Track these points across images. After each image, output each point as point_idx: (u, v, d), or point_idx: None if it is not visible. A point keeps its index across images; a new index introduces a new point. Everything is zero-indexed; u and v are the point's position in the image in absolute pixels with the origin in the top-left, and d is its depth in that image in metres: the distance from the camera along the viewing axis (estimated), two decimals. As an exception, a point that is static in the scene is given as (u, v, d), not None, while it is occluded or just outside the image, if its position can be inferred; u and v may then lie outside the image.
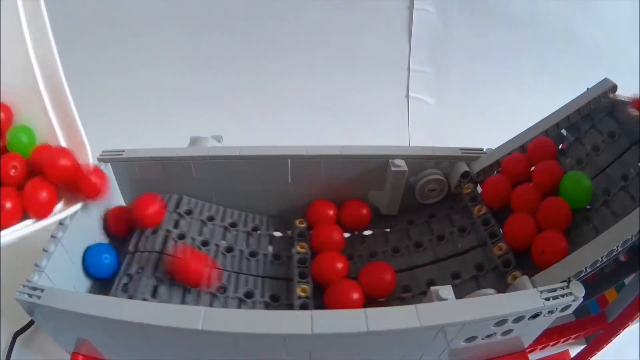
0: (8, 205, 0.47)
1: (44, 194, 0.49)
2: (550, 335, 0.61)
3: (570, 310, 0.53)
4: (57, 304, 0.45)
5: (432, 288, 0.49)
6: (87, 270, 0.56)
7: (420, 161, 0.65)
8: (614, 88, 0.64)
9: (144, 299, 0.53)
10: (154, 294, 0.54)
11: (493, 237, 0.61)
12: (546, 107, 0.68)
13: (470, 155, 0.67)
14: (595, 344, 0.67)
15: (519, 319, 0.50)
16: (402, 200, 0.68)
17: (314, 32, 1.09)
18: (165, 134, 0.68)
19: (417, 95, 1.16)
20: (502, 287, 0.56)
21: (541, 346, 0.61)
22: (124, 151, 0.61)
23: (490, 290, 0.52)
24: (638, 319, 0.64)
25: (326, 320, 0.45)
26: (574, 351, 0.69)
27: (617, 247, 0.52)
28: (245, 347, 0.48)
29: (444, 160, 0.66)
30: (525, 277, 0.53)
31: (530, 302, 0.49)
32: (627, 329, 0.68)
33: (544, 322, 0.54)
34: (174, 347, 0.50)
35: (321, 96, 1.10)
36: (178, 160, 0.60)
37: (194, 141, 0.67)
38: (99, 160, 0.61)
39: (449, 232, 0.65)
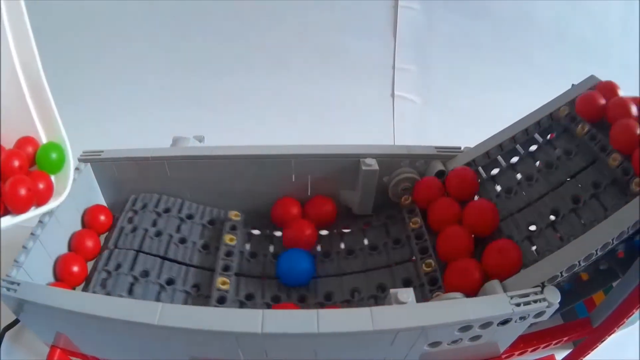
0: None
1: (22, 191, 0.49)
2: (529, 340, 0.58)
3: (545, 317, 0.50)
4: (30, 297, 0.46)
5: (392, 290, 0.47)
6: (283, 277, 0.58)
7: (393, 160, 0.63)
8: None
9: (120, 296, 0.52)
10: (131, 291, 0.54)
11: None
12: (533, 104, 0.65)
13: (446, 154, 0.65)
14: (580, 351, 0.63)
15: (486, 325, 0.47)
16: (376, 199, 0.66)
17: (299, 31, 1.08)
18: (152, 134, 0.68)
19: (403, 94, 1.13)
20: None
21: (519, 352, 0.58)
22: (102, 151, 0.61)
23: (457, 294, 0.49)
24: (625, 324, 0.60)
25: (276, 320, 0.43)
26: (560, 355, 0.66)
27: (595, 251, 0.49)
28: (202, 343, 0.47)
29: (418, 159, 0.64)
30: (496, 281, 0.50)
31: (498, 307, 0.46)
32: (629, 327, 0.64)
33: (517, 328, 0.50)
34: (140, 342, 0.49)
35: (306, 96, 1.08)
36: (153, 161, 0.61)
37: (175, 141, 0.67)
38: (79, 160, 0.61)
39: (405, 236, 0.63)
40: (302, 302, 0.57)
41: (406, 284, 0.57)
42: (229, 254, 0.58)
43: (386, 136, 1.02)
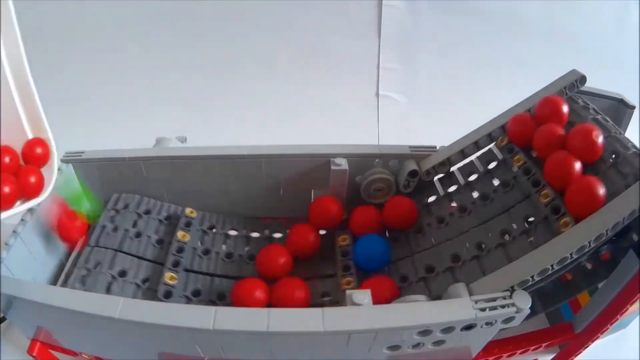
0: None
1: (6, 189, 0.49)
2: (504, 346, 0.55)
3: (515, 322, 0.46)
4: (7, 290, 0.46)
5: (348, 292, 0.44)
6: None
7: (365, 160, 0.61)
8: (582, 79, 0.58)
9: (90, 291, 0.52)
10: (109, 290, 0.53)
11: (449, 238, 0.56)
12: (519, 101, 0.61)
13: (420, 153, 0.62)
14: (561, 358, 0.59)
15: (448, 330, 0.44)
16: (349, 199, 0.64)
17: (284, 32, 1.06)
18: (140, 134, 0.67)
19: (387, 93, 1.10)
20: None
21: (493, 357, 0.55)
22: (83, 152, 0.62)
23: (421, 297, 0.47)
24: (609, 330, 0.56)
25: (228, 317, 0.42)
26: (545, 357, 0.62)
27: (570, 254, 0.45)
28: (164, 338, 0.46)
29: (391, 159, 0.62)
30: (461, 284, 0.47)
31: (459, 312, 0.43)
32: (628, 329, 0.62)
33: (486, 333, 0.47)
34: (110, 336, 0.49)
35: (291, 96, 1.06)
36: (130, 161, 0.60)
37: (159, 141, 0.67)
38: (62, 161, 0.61)
39: (425, 224, 0.60)
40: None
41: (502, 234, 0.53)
42: (180, 250, 0.57)
43: (371, 135, 1.00)
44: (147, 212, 0.62)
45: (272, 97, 1.04)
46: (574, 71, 0.58)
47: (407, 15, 1.04)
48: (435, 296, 0.51)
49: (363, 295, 0.44)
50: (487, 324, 0.45)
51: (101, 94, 0.99)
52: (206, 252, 0.59)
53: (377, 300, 0.44)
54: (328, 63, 1.07)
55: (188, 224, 0.60)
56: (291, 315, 0.43)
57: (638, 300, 0.53)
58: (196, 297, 0.54)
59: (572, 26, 1.08)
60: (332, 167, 0.59)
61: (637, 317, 0.64)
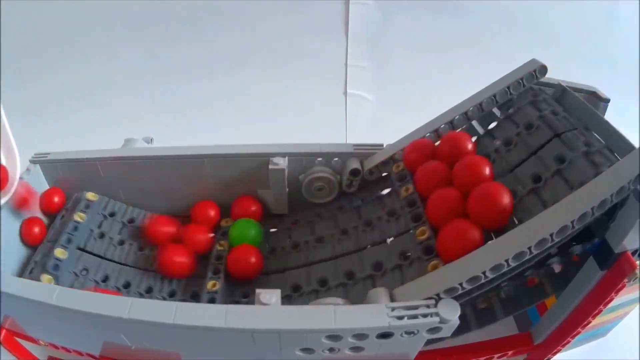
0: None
1: None
2: (449, 354, 0.50)
3: (445, 333, 0.41)
4: None
5: (257, 290, 0.42)
6: None
7: (307, 159, 0.59)
8: (542, 69, 0.51)
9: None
10: (72, 286, 0.53)
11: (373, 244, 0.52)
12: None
13: (364, 152, 0.59)
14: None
15: (361, 337, 0.40)
16: (294, 199, 0.62)
17: (252, 32, 1.04)
18: (112, 135, 0.68)
19: (356, 91, 1.06)
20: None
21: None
22: (49, 154, 0.62)
23: (339, 300, 0.43)
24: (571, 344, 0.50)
25: (140, 308, 0.41)
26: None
27: (506, 261, 0.40)
28: (95, 326, 0.46)
29: (333, 157, 0.59)
30: (382, 290, 0.42)
31: (371, 319, 0.39)
32: (626, 327, 0.58)
33: (412, 343, 0.43)
34: (62, 325, 0.49)
35: (260, 96, 1.03)
36: (87, 162, 0.61)
37: (127, 142, 0.67)
38: (30, 162, 0.62)
39: (328, 235, 0.57)
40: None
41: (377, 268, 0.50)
42: (75, 228, 0.56)
43: (340, 134, 0.96)
44: (112, 215, 0.62)
45: (241, 97, 1.03)
46: (533, 61, 0.52)
47: (376, 13, 1.02)
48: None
49: (270, 295, 0.41)
50: (407, 333, 0.40)
51: (80, 95, 1.00)
52: (101, 235, 0.58)
53: None
54: (297, 62, 1.05)
55: (87, 207, 0.60)
56: (196, 309, 0.41)
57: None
58: (83, 275, 0.53)
59: (546, 20, 1.02)
60: (270, 167, 0.58)
61: (619, 324, 0.57)
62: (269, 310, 0.40)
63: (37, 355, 0.54)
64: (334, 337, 0.40)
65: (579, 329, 0.47)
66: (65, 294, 0.43)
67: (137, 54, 1.04)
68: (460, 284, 0.40)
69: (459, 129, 0.56)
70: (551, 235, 0.39)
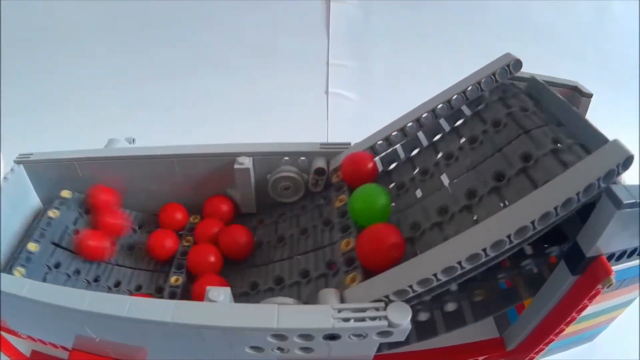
0: None
1: None
2: (414, 358, 0.47)
3: (398, 337, 0.39)
4: None
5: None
6: None
7: (274, 158, 0.59)
8: (516, 64, 0.48)
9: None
10: (44, 279, 0.54)
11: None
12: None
13: (331, 151, 0.58)
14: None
15: (307, 337, 0.39)
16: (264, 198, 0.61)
17: (233, 31, 1.01)
18: (98, 135, 0.68)
19: (338, 90, 1.03)
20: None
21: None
22: (32, 154, 0.63)
23: (289, 300, 0.41)
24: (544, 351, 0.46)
25: (94, 301, 0.41)
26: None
27: (459, 263, 0.37)
28: (65, 319, 0.47)
29: (300, 157, 0.59)
30: (331, 290, 0.40)
31: (314, 320, 0.38)
32: (614, 332, 0.54)
33: (365, 345, 0.41)
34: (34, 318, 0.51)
35: (242, 96, 1.02)
36: (65, 162, 0.62)
37: (110, 142, 0.68)
38: (15, 162, 0.63)
39: (288, 235, 0.56)
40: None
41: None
42: (49, 224, 0.57)
43: (321, 133, 0.94)
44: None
45: (222, 97, 1.02)
46: (507, 55, 0.49)
47: (357, 10, 0.98)
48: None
49: (219, 292, 0.40)
50: (355, 335, 0.39)
51: (67, 96, 1.01)
52: (76, 232, 0.59)
53: None
54: (278, 62, 1.03)
55: (62, 204, 0.60)
56: (148, 304, 0.41)
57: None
58: (56, 268, 0.54)
59: (533, 17, 0.98)
60: (235, 166, 0.57)
61: (605, 329, 0.53)
62: (215, 307, 0.39)
63: (21, 349, 0.55)
64: (280, 336, 0.38)
65: (552, 336, 0.43)
66: (35, 286, 0.44)
67: (123, 54, 1.03)
68: (411, 287, 0.38)
69: (424, 127, 0.54)
70: (508, 236, 0.36)
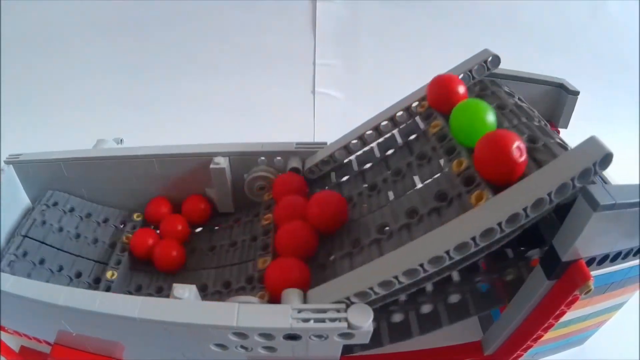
0: None
1: None
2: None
3: (361, 339, 0.38)
4: None
5: (174, 285, 0.41)
6: None
7: (249, 158, 0.59)
8: (494, 60, 0.46)
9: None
10: (29, 276, 0.54)
11: None
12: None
13: (307, 150, 0.58)
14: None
15: (268, 337, 0.38)
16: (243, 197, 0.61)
17: (219, 31, 0.99)
18: (87, 136, 0.69)
19: (324, 90, 1.02)
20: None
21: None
22: (21, 154, 0.64)
23: (253, 299, 0.41)
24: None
25: (68, 296, 0.42)
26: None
27: (421, 265, 0.36)
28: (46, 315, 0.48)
29: (275, 156, 0.58)
30: (295, 291, 0.40)
31: (273, 319, 0.37)
32: (604, 335, 0.52)
33: (327, 345, 0.40)
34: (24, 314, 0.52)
35: (229, 96, 1.01)
36: (52, 162, 0.62)
37: (98, 143, 0.69)
38: (5, 162, 0.64)
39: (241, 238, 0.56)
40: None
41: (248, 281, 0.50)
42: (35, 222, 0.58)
43: (308, 133, 0.94)
44: (71, 210, 0.63)
45: (210, 97, 1.01)
46: (485, 51, 0.47)
47: (344, 10, 0.96)
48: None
49: (184, 290, 0.40)
50: (316, 336, 0.38)
51: (56, 97, 1.02)
52: (60, 229, 0.59)
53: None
54: (264, 61, 1.01)
55: (48, 203, 0.61)
56: (116, 299, 0.41)
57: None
58: (41, 264, 0.55)
59: (524, 16, 0.94)
60: (211, 166, 0.57)
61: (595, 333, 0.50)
62: (178, 303, 0.39)
63: (10, 345, 0.56)
64: (241, 334, 0.38)
65: (530, 342, 0.41)
66: (18, 282, 0.45)
67: (113, 55, 1.03)
68: (372, 289, 0.37)
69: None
70: (473, 239, 0.34)
